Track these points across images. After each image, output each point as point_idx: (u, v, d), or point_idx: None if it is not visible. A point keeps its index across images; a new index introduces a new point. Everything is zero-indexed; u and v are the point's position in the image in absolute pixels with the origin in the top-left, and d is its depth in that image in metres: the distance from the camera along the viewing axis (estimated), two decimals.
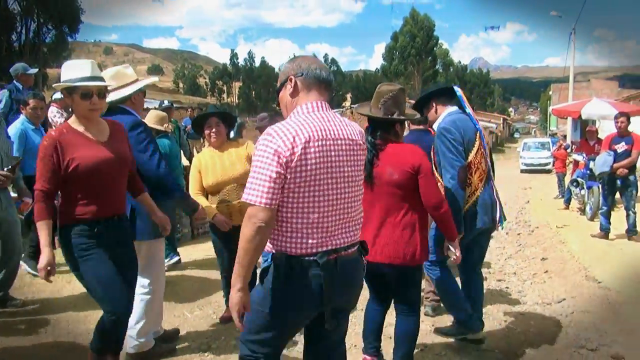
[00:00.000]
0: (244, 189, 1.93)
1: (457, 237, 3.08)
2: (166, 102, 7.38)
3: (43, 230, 2.51)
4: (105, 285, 2.61)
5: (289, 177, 1.87)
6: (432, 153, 3.55)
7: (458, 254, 3.07)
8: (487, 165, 3.54)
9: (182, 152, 7.35)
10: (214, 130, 3.82)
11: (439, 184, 3.45)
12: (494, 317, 4.39)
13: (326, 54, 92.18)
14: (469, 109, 3.56)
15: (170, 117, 7.09)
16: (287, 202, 1.92)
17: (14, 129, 4.65)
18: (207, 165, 3.84)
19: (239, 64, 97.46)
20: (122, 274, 2.69)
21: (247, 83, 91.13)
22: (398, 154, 2.87)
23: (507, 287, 5.36)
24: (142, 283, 3.23)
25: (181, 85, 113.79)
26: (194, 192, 3.82)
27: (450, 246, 3.08)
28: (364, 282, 2.37)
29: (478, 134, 3.46)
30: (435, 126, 3.55)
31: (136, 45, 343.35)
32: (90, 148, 2.60)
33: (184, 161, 7.61)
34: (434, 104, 3.57)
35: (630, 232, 6.80)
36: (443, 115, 3.51)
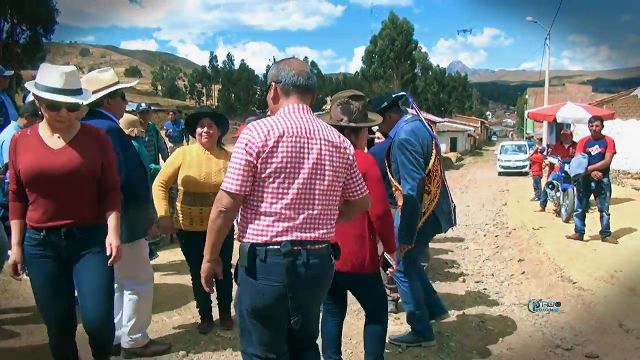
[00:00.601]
0: (214, 196, 2.07)
1: (397, 249, 3.09)
2: (143, 105, 7.28)
3: (14, 229, 2.58)
4: (40, 304, 2.66)
5: (259, 167, 1.98)
6: (386, 160, 3.66)
7: (395, 267, 2.99)
8: (442, 172, 3.65)
9: (160, 156, 7.28)
10: (205, 130, 3.75)
11: (397, 191, 3.50)
12: (472, 319, 4.43)
13: (306, 57, 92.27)
14: (422, 116, 3.68)
15: (148, 120, 7.00)
16: (255, 190, 2.03)
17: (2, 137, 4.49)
18: (191, 162, 3.76)
19: (219, 67, 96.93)
20: (84, 286, 2.61)
21: (226, 86, 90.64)
22: None
23: (485, 289, 5.43)
24: (128, 284, 3.33)
25: (160, 87, 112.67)
26: (157, 182, 3.78)
27: (388, 258, 2.97)
28: None
29: (434, 142, 3.55)
30: (392, 134, 3.60)
31: (113, 47, 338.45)
32: (37, 153, 2.52)
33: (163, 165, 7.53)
34: (389, 115, 3.60)
35: (604, 234, 6.94)
36: (400, 123, 3.58)
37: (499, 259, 6.91)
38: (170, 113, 12.84)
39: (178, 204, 3.83)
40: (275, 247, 2.01)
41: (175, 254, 6.52)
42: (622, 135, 14.11)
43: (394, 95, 3.69)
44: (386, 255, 2.98)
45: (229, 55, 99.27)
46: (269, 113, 2.35)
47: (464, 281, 5.70)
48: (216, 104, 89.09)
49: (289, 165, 2.00)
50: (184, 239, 3.91)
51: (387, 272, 3.01)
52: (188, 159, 3.79)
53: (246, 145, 1.99)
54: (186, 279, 5.29)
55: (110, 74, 3.25)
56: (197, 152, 3.85)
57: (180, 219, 3.80)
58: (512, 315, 4.59)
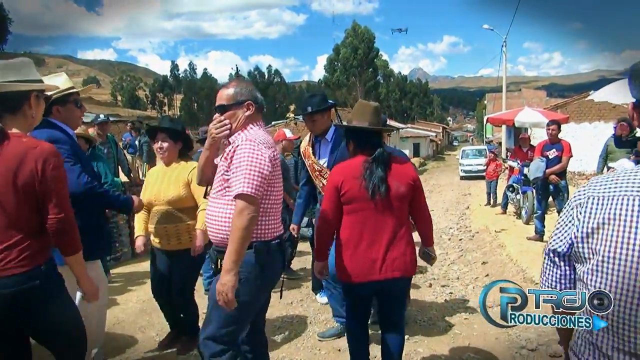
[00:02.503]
0: (176, 213, 2.09)
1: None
2: (102, 116, 7.08)
3: None
4: None
5: (270, 176, 2.36)
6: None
7: (435, 257, 3.11)
8: None
9: (119, 167, 7.10)
10: (159, 145, 3.64)
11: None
12: (440, 324, 4.47)
13: (270, 65, 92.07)
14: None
15: (107, 131, 6.81)
16: (266, 194, 2.37)
17: None
18: (149, 181, 3.74)
19: (180, 76, 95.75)
20: None
21: (188, 95, 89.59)
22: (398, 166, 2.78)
23: (452, 293, 5.49)
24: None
25: (119, 97, 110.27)
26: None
27: (429, 251, 3.01)
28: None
29: None
30: (329, 137, 3.88)
31: (70, 57, 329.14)
32: None
33: (123, 177, 7.34)
34: (327, 116, 3.96)
35: None
36: (336, 129, 3.87)
37: (463, 263, 7.02)
38: (129, 124, 12.54)
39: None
40: (276, 241, 2.46)
41: (138, 269, 6.36)
42: (576, 138, 14.65)
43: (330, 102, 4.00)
44: (427, 249, 3.01)
45: (190, 64, 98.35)
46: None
47: (430, 286, 5.76)
48: (178, 113, 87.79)
49: (277, 172, 2.45)
50: (152, 256, 3.83)
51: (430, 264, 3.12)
52: (150, 180, 3.74)
53: (268, 156, 2.34)
54: (150, 295, 5.17)
55: (63, 79, 3.01)
56: (157, 170, 3.79)
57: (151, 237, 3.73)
58: (478, 318, 4.63)
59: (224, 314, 2.30)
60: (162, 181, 3.63)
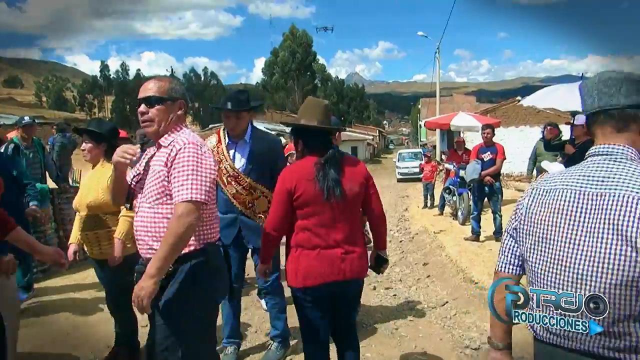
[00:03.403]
0: (97, 219, 1.92)
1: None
2: (27, 119, 6.57)
3: None
4: None
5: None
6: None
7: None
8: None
9: (47, 173, 6.66)
10: (82, 147, 3.46)
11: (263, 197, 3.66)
12: (386, 327, 4.49)
13: (206, 67, 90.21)
14: None
15: (33, 134, 6.34)
16: (212, 199, 2.30)
17: None
18: (81, 185, 3.58)
19: (111, 77, 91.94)
20: None
21: (120, 97, 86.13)
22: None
23: (395, 295, 5.55)
24: None
25: (44, 99, 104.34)
26: None
27: (383, 254, 2.95)
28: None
29: None
30: (247, 137, 3.65)
31: None
32: None
33: (51, 184, 6.87)
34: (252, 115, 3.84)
35: (497, 234, 7.44)
36: (256, 130, 3.76)
37: (405, 264, 7.13)
38: (55, 126, 11.76)
39: None
40: (219, 242, 2.45)
41: (70, 281, 5.97)
42: (504, 142, 15.21)
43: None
44: (380, 252, 2.92)
45: (122, 65, 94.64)
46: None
47: (374, 289, 5.79)
48: (110, 115, 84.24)
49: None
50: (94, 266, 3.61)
51: (381, 269, 2.97)
52: (82, 183, 3.56)
53: (210, 156, 2.29)
54: (84, 309, 4.87)
55: None
56: (87, 174, 3.56)
57: None
58: (423, 320, 4.72)
59: (186, 328, 2.24)
60: (85, 185, 3.47)
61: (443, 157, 15.30)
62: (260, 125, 13.02)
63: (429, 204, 12.41)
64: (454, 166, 9.86)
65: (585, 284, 1.37)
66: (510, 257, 1.68)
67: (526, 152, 17.76)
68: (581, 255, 1.39)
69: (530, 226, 1.54)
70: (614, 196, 1.36)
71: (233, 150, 3.57)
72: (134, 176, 2.37)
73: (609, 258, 1.33)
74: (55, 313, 4.86)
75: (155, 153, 2.32)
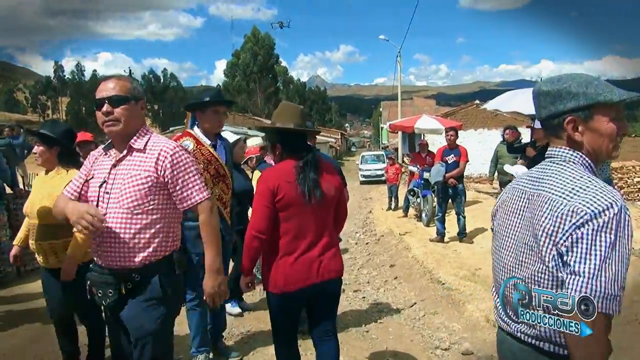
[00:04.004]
0: (52, 229, 2.15)
1: None
2: None
3: None
4: None
5: None
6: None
7: None
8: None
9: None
10: (34, 151, 3.28)
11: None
12: (356, 329, 4.50)
13: (165, 69, 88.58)
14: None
15: None
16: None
17: None
18: (32, 190, 3.34)
19: (66, 78, 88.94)
20: None
21: (76, 98, 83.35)
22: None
23: (364, 297, 5.57)
24: None
25: None
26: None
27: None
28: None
29: None
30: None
31: None
32: None
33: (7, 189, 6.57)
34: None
35: (461, 235, 7.59)
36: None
37: (372, 266, 7.17)
38: (7, 129, 11.23)
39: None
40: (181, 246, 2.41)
41: (25, 291, 5.71)
42: (463, 144, 15.65)
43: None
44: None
45: (78, 65, 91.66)
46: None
47: (343, 291, 5.77)
48: (64, 117, 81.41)
49: None
50: (42, 276, 3.39)
51: None
52: (33, 188, 3.33)
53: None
54: (40, 319, 4.65)
55: None
56: (38, 179, 3.38)
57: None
58: (392, 321, 4.75)
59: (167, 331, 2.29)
60: (38, 191, 3.24)
61: (405, 159, 15.50)
62: (223, 128, 12.83)
63: (393, 206, 12.55)
64: (417, 168, 9.99)
65: (509, 274, 1.53)
66: None
67: (485, 155, 18.37)
68: (508, 249, 1.55)
69: (495, 219, 1.70)
70: (538, 196, 1.46)
71: (215, 151, 3.51)
72: (101, 184, 2.20)
73: (523, 254, 1.47)
74: (9, 325, 4.63)
75: (125, 157, 2.20)
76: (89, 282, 2.25)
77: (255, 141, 5.83)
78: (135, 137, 2.20)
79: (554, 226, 1.35)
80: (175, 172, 2.16)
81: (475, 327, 4.37)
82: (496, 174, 9.36)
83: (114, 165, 2.21)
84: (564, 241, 1.32)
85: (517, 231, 1.52)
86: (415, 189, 10.10)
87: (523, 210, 1.51)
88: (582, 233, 1.28)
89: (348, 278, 6.45)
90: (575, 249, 1.29)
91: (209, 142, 3.48)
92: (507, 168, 6.36)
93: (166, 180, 2.15)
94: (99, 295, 2.18)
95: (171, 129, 27.80)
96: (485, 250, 6.93)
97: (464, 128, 18.80)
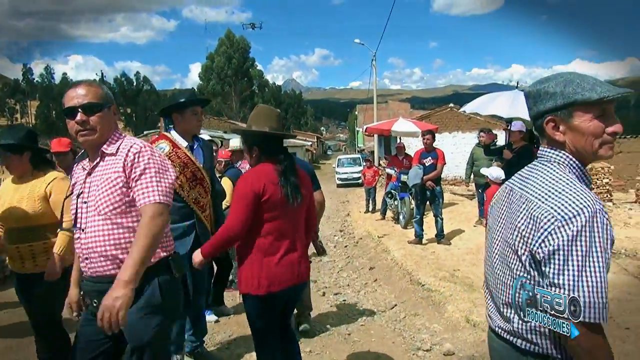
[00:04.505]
0: (31, 231, 1.76)
1: None
2: None
3: None
4: None
5: None
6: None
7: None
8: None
9: None
10: (3, 164, 3.17)
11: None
12: (338, 332, 4.49)
13: (138, 72, 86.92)
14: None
15: None
16: None
17: None
18: (1, 195, 3.19)
19: (35, 81, 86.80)
20: None
21: (45, 102, 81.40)
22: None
23: (345, 300, 5.56)
24: None
25: None
26: None
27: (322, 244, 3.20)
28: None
29: None
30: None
31: None
32: None
33: None
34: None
35: (439, 237, 7.66)
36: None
37: (351, 269, 7.18)
38: None
39: None
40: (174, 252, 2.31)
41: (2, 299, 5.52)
42: (437, 147, 15.93)
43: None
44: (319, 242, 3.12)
45: (47, 68, 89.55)
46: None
47: (323, 295, 5.78)
48: (34, 121, 79.39)
49: None
50: (15, 281, 3.27)
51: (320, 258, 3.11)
52: (2, 193, 3.19)
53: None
54: (14, 329, 4.52)
55: None
56: (6, 184, 3.25)
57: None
58: (374, 324, 4.76)
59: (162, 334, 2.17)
60: (14, 195, 3.13)
61: (381, 162, 15.60)
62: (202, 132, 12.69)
63: (371, 209, 12.60)
64: (395, 171, 10.06)
65: (493, 271, 1.58)
66: None
67: (459, 157, 18.67)
68: (496, 246, 1.57)
69: (490, 217, 1.71)
70: (520, 196, 1.48)
71: (192, 153, 3.46)
72: (78, 195, 2.16)
73: (501, 250, 1.52)
74: None
75: (98, 163, 2.15)
76: (82, 292, 2.19)
77: (236, 142, 5.77)
78: (107, 143, 2.16)
79: (528, 228, 1.37)
80: (135, 170, 2.07)
81: (456, 328, 4.41)
82: (472, 176, 9.51)
83: (89, 174, 2.16)
84: (538, 247, 1.33)
85: (502, 229, 1.54)
86: (392, 191, 10.17)
87: (508, 209, 1.52)
88: (558, 244, 1.28)
89: (328, 281, 6.44)
90: (552, 261, 1.29)
91: (185, 144, 3.42)
92: (484, 170, 6.45)
93: (128, 177, 2.09)
94: (94, 304, 2.09)
95: (145, 132, 27.37)
96: (463, 252, 7.03)
97: (438, 131, 19.08)
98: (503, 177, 6.09)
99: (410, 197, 9.03)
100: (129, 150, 2.11)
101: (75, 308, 2.32)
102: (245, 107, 54.31)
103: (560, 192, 1.35)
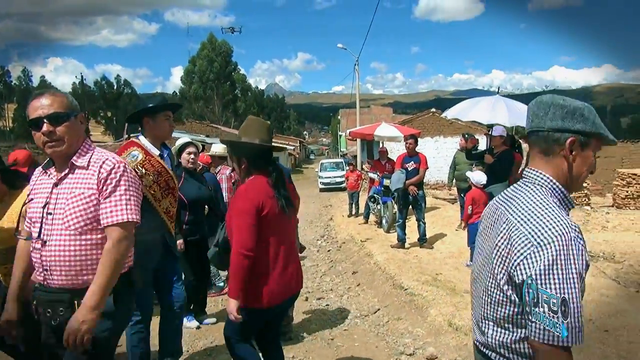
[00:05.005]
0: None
1: None
2: None
3: None
4: None
5: None
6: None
7: None
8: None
9: None
10: None
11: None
12: (322, 337, 4.47)
13: (118, 75, 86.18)
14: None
15: None
16: None
17: None
18: None
19: (13, 83, 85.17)
20: None
21: (23, 105, 79.71)
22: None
23: (328, 305, 5.55)
24: None
25: None
26: None
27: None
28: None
29: None
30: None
31: None
32: None
33: None
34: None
35: (422, 241, 7.70)
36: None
37: (334, 273, 7.17)
38: None
39: None
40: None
41: None
42: (419, 151, 16.06)
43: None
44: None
45: (25, 71, 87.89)
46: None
47: (306, 299, 5.75)
48: (11, 125, 77.86)
49: None
50: None
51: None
52: None
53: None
54: None
55: None
56: None
57: None
58: (357, 328, 4.76)
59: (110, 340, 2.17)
60: None
61: (365, 166, 15.64)
62: (180, 136, 12.59)
63: (354, 213, 12.61)
64: (377, 175, 10.10)
65: (475, 284, 1.62)
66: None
67: (441, 162, 18.86)
68: (480, 261, 1.60)
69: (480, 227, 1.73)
70: (502, 215, 1.51)
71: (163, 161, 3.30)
72: (44, 205, 2.09)
73: (481, 265, 1.57)
74: None
75: (67, 175, 2.09)
76: (35, 302, 2.12)
77: (218, 148, 5.73)
78: (77, 154, 2.10)
79: (506, 248, 1.41)
80: (106, 186, 2.05)
81: (439, 332, 4.42)
82: (454, 180, 9.59)
83: (56, 185, 2.10)
84: (514, 269, 1.37)
85: (485, 245, 1.57)
86: (375, 195, 10.19)
87: (491, 227, 1.56)
88: (535, 273, 1.31)
89: (311, 286, 6.42)
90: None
91: (156, 151, 3.27)
92: (468, 173, 6.51)
93: (99, 194, 2.06)
94: (48, 314, 2.06)
95: (125, 136, 27.02)
96: (445, 255, 7.08)
97: (420, 136, 19.23)
98: (484, 181, 6.16)
99: (393, 202, 9.06)
100: (101, 166, 2.06)
101: (12, 327, 2.20)
102: (227, 111, 54.12)
103: (537, 217, 1.38)
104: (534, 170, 1.51)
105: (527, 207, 1.43)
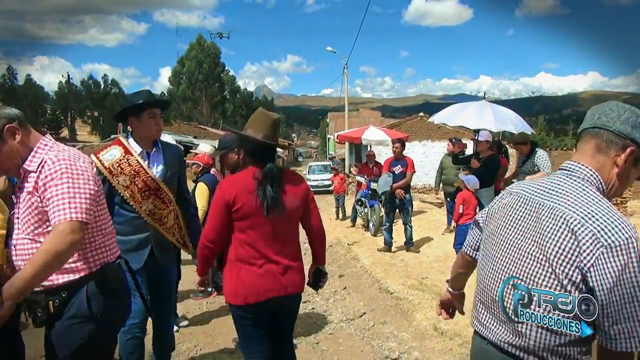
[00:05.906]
0: None
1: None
2: None
3: None
4: None
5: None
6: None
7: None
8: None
9: None
10: None
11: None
12: (307, 341, 4.45)
13: (106, 75, 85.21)
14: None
15: None
16: (98, 215, 2.10)
17: None
18: None
19: None
20: None
21: (8, 103, 78.88)
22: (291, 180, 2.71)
23: (314, 308, 5.52)
24: None
25: None
26: None
27: (323, 268, 3.02)
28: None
29: None
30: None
31: None
32: None
33: None
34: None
35: (408, 244, 7.71)
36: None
37: None
38: None
39: None
40: (118, 261, 2.26)
41: None
42: (407, 155, 16.12)
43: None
44: (320, 267, 2.96)
45: (10, 69, 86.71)
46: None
47: None
48: None
49: (100, 189, 2.23)
50: None
51: (321, 283, 3.00)
52: None
53: (90, 172, 2.07)
54: None
55: None
56: None
57: None
58: (342, 332, 4.74)
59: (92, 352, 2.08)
60: None
61: (352, 170, 15.65)
62: (168, 137, 12.48)
63: (340, 216, 12.60)
64: (365, 179, 10.10)
65: (495, 279, 1.55)
66: (473, 242, 1.90)
67: (428, 166, 18.93)
68: (505, 254, 1.54)
69: (489, 221, 1.70)
70: (550, 208, 1.45)
71: (147, 161, 3.14)
72: (12, 211, 2.11)
73: (526, 263, 1.46)
74: None
75: (22, 179, 2.05)
76: (23, 306, 2.09)
77: (205, 148, 5.67)
78: (29, 159, 2.02)
79: (573, 246, 1.35)
80: (46, 187, 1.94)
81: (424, 336, 4.42)
82: (441, 184, 9.63)
83: (18, 190, 2.09)
84: (587, 271, 1.32)
85: (518, 238, 1.51)
86: (362, 199, 10.21)
87: (528, 218, 1.50)
88: (611, 280, 1.27)
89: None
90: (609, 306, 1.28)
91: (139, 150, 3.12)
92: (462, 176, 6.55)
93: (41, 196, 1.95)
94: (31, 317, 2.05)
95: (112, 136, 26.75)
96: (432, 259, 7.09)
97: (408, 140, 19.32)
98: (478, 187, 6.17)
99: (380, 205, 9.08)
100: (43, 167, 1.98)
101: None
102: (216, 112, 53.84)
103: (605, 214, 1.35)
104: (582, 165, 1.49)
105: (587, 202, 1.40)
